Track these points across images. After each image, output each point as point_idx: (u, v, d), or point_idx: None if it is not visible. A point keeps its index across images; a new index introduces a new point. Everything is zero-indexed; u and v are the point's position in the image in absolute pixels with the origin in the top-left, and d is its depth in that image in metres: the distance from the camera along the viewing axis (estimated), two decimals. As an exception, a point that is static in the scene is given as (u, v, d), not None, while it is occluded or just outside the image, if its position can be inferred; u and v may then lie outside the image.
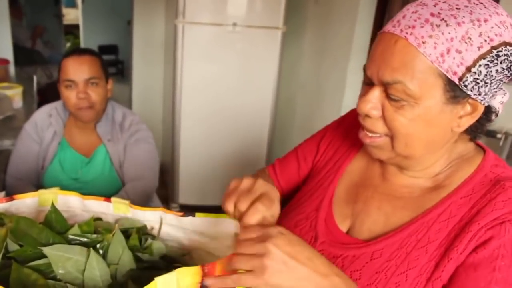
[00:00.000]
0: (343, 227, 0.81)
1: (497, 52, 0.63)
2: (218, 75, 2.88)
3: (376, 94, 0.70)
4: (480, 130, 0.73)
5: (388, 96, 0.68)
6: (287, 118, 3.42)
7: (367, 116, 0.72)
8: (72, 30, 7.45)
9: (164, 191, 3.29)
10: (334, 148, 0.92)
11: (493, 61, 0.64)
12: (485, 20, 0.63)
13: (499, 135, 1.55)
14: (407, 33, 0.65)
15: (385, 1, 2.50)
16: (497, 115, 0.73)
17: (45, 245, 0.70)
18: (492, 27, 0.63)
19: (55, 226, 0.77)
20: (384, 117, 0.70)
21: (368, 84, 0.73)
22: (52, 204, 0.79)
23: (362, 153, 0.88)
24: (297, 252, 0.61)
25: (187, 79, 2.84)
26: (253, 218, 0.68)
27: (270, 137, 3.08)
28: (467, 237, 0.67)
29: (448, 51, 0.63)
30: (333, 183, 0.87)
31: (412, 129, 0.68)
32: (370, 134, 0.73)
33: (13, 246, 0.71)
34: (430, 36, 0.63)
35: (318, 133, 0.99)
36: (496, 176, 0.72)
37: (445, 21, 0.63)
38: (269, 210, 0.70)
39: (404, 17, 0.66)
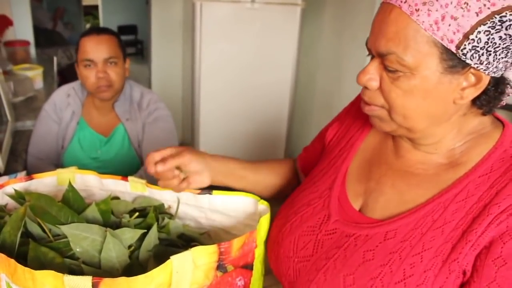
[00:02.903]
0: (356, 205, 0.79)
1: (500, 17, 0.59)
2: (237, 53, 2.85)
3: (374, 66, 0.69)
4: (492, 103, 0.68)
5: (385, 67, 0.67)
6: (307, 95, 3.39)
7: (365, 88, 0.71)
8: (91, 11, 7.47)
9: (184, 170, 3.31)
10: (348, 126, 0.90)
11: (494, 27, 0.60)
12: None
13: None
14: (401, 1, 0.63)
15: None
16: None
17: (64, 224, 0.70)
18: None
19: (73, 205, 0.77)
20: (381, 89, 0.69)
21: (371, 57, 0.71)
22: (70, 183, 0.80)
23: (375, 130, 0.85)
24: None
25: (206, 57, 2.82)
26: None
27: (290, 115, 3.05)
28: (487, 220, 0.63)
29: (443, 17, 0.60)
30: (346, 162, 0.85)
31: (408, 100, 0.66)
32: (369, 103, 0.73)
33: (31, 225, 0.72)
34: (424, 3, 0.61)
35: (337, 115, 0.98)
36: None
37: None
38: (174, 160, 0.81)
39: None
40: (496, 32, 0.60)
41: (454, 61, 0.62)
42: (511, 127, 0.72)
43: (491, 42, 0.60)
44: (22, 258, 0.66)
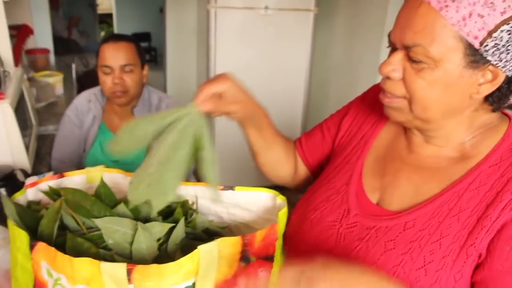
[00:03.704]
0: (373, 199, 0.83)
1: None
2: (251, 59, 2.90)
3: (398, 57, 0.72)
4: (503, 101, 0.72)
5: (409, 59, 0.70)
6: (320, 100, 3.42)
7: (388, 78, 0.74)
8: (105, 19, 7.61)
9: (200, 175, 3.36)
10: (359, 123, 0.94)
11: None
12: None
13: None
14: None
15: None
16: None
17: (97, 217, 0.75)
18: None
19: (104, 200, 0.82)
20: (404, 80, 0.72)
21: (392, 50, 0.75)
22: (101, 179, 0.84)
23: (387, 127, 0.89)
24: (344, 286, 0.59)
25: (220, 63, 2.87)
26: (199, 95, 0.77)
27: (304, 119, 3.08)
28: (500, 206, 0.68)
29: (470, 15, 0.63)
30: (361, 158, 0.88)
31: (430, 92, 0.70)
32: (389, 95, 0.75)
33: (66, 218, 0.76)
34: (453, 0, 0.64)
35: (342, 109, 1.01)
36: None
37: None
38: (213, 86, 0.79)
39: None
40: None
41: (476, 57, 0.66)
42: None
43: (511, 41, 0.64)
44: (59, 248, 0.70)
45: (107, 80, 1.66)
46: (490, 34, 0.64)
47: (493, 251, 0.67)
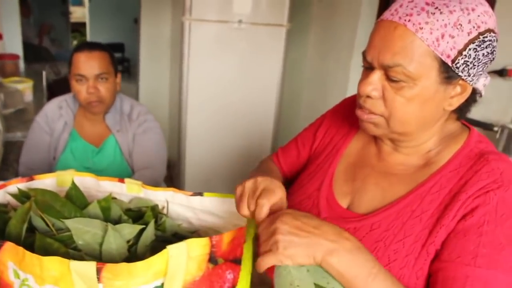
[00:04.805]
0: (344, 203, 0.87)
1: (483, 37, 0.71)
2: (224, 72, 2.93)
3: (376, 77, 0.76)
4: (465, 109, 0.80)
5: (388, 78, 0.74)
6: (292, 113, 3.47)
7: (368, 97, 0.78)
8: (79, 28, 7.52)
9: (171, 184, 3.34)
10: (332, 134, 0.99)
11: (480, 45, 0.71)
12: (473, 9, 0.70)
13: (495, 128, 1.62)
14: (405, 20, 0.71)
15: (388, -1, 2.54)
16: (481, 96, 0.80)
17: (67, 218, 0.75)
18: (478, 15, 0.70)
19: (75, 202, 0.82)
20: (384, 98, 0.76)
21: (367, 68, 0.78)
22: (73, 181, 0.85)
23: (358, 136, 0.94)
24: (303, 224, 0.67)
25: (193, 75, 2.89)
26: (261, 213, 0.74)
27: (275, 132, 3.12)
28: (457, 205, 0.73)
29: (443, 36, 0.70)
30: (332, 165, 0.93)
31: (410, 108, 0.75)
32: (367, 111, 0.79)
33: (35, 219, 0.76)
34: (426, 23, 0.70)
35: (315, 122, 1.06)
36: (480, 151, 0.79)
37: (439, 9, 0.70)
38: (271, 199, 0.75)
39: (401, 6, 0.73)
40: (480, 50, 0.71)
41: (449, 73, 0.72)
42: (475, 131, 0.83)
43: (477, 57, 0.71)
44: (27, 249, 0.70)
45: (81, 90, 1.64)
46: (460, 52, 0.70)
47: (444, 244, 0.73)
